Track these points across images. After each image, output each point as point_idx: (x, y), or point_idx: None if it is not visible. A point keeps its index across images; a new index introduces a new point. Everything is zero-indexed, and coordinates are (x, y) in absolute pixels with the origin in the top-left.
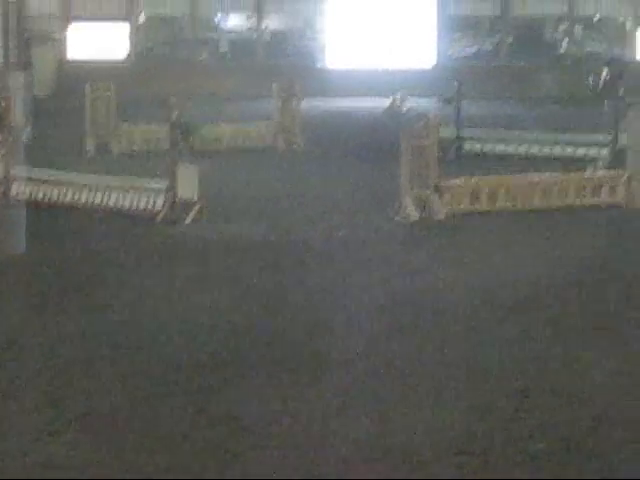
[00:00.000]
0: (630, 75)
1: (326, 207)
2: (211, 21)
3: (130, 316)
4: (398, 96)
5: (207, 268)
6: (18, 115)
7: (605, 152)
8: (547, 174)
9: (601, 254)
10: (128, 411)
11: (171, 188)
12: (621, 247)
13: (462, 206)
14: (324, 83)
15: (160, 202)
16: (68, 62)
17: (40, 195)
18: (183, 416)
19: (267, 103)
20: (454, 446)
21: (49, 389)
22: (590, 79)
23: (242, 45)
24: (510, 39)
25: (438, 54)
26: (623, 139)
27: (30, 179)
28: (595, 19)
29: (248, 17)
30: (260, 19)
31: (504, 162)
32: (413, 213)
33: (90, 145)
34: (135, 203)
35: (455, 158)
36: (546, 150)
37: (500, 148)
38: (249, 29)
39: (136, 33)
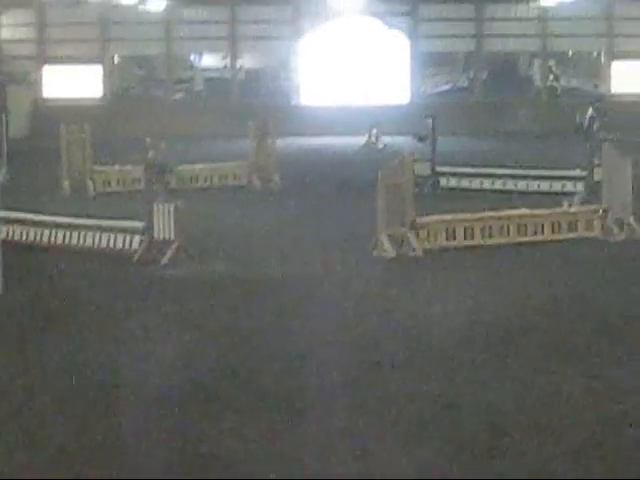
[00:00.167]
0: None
1: (303, 245)
2: (186, 60)
3: (106, 355)
4: (374, 132)
5: (183, 307)
6: None
7: (581, 186)
8: (523, 209)
9: (577, 288)
10: (105, 450)
11: (147, 228)
12: (597, 280)
13: (438, 242)
14: (299, 121)
15: (137, 242)
16: (44, 103)
17: (17, 235)
18: (161, 454)
19: (242, 142)
20: None
21: (24, 429)
22: (577, 117)
23: (217, 84)
24: (484, 75)
25: (412, 91)
26: (598, 174)
27: (7, 219)
28: (569, 54)
29: (223, 57)
30: (234, 58)
31: (480, 198)
32: (390, 250)
33: (66, 186)
34: (112, 243)
35: (431, 194)
36: (522, 185)
37: (476, 184)
38: (224, 68)
39: (111, 73)
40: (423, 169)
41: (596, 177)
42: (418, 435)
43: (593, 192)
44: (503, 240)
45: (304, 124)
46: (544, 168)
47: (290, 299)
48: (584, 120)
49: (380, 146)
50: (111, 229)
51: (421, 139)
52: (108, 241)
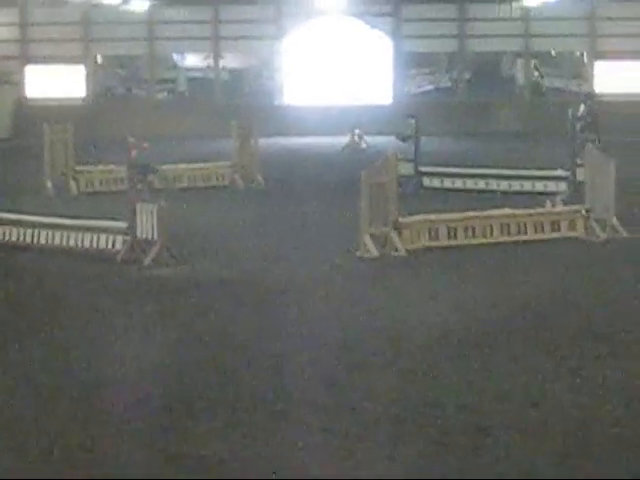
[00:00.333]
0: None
1: (285, 245)
2: (169, 60)
3: (88, 355)
4: (357, 132)
5: (165, 307)
6: None
7: (564, 186)
8: (506, 209)
9: (560, 287)
10: (87, 451)
11: (130, 228)
12: (580, 280)
13: (422, 242)
14: (282, 121)
15: (120, 242)
16: (26, 103)
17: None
18: (144, 454)
19: (226, 142)
20: None
21: (9, 430)
22: (570, 115)
23: (200, 84)
24: (467, 75)
25: (395, 91)
26: (581, 173)
27: None
28: (552, 54)
29: (206, 57)
30: (217, 58)
31: (463, 198)
32: (373, 250)
33: (49, 186)
34: (95, 243)
35: (414, 194)
36: (505, 185)
37: (459, 184)
38: (207, 68)
39: (94, 73)
40: (406, 169)
41: (579, 177)
42: (400, 435)
43: (576, 192)
44: (486, 240)
45: (287, 124)
46: (527, 168)
47: (272, 299)
48: (576, 118)
49: (363, 146)
50: (94, 229)
51: (404, 139)
52: (91, 241)
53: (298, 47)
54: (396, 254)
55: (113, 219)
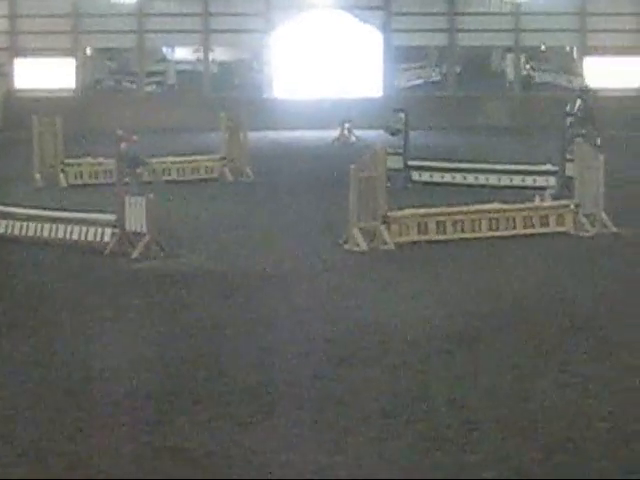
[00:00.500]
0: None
1: (274, 238)
2: (158, 53)
3: (77, 348)
4: (346, 126)
5: (154, 299)
6: None
7: (552, 181)
8: (495, 204)
9: (549, 282)
10: (75, 444)
11: (119, 220)
12: (569, 275)
13: (411, 236)
14: (271, 114)
15: (108, 234)
16: (16, 95)
17: None
18: (131, 448)
19: (215, 135)
20: (407, 476)
21: None
22: (567, 108)
23: (189, 77)
24: (458, 69)
25: (385, 85)
26: (570, 169)
27: None
28: (542, 48)
29: (195, 49)
30: (207, 51)
31: (452, 192)
32: (362, 244)
33: (38, 178)
34: (83, 236)
35: (403, 188)
36: (494, 180)
37: (448, 178)
38: (196, 61)
39: (83, 65)
40: (395, 163)
41: (568, 172)
42: (389, 429)
43: (566, 187)
44: (475, 234)
45: (276, 117)
46: (516, 163)
47: (261, 293)
48: (568, 113)
49: (352, 139)
50: (83, 222)
51: (393, 133)
52: (80, 233)
53: (288, 40)
54: (385, 248)
55: (102, 212)
